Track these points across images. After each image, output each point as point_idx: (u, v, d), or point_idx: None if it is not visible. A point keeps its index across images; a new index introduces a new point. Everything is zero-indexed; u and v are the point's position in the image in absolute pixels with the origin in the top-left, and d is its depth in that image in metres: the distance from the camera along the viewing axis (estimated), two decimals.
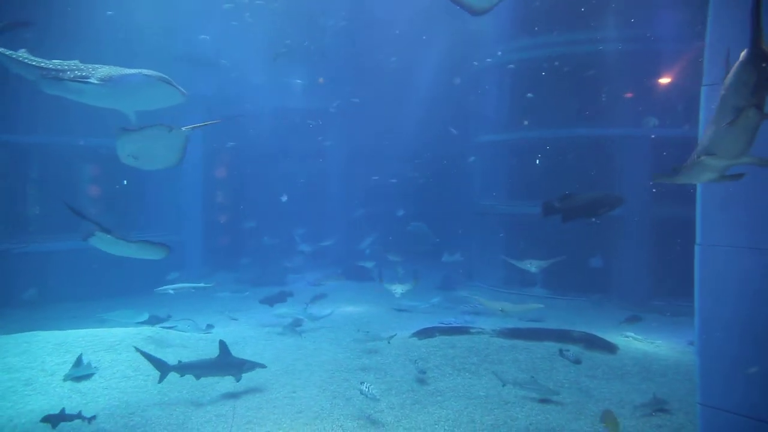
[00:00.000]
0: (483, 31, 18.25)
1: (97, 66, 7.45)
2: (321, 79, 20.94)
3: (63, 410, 6.38)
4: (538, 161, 17.48)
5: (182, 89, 7.11)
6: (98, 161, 17.02)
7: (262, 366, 7.91)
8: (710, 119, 4.27)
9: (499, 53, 17.58)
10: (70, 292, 13.88)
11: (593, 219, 9.47)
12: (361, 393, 6.83)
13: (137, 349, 8.08)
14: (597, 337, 9.98)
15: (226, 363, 7.63)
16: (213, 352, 9.52)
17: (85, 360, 8.45)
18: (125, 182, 17.82)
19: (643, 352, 9.55)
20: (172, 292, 11.36)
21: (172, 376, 8.36)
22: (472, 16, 5.76)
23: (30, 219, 15.58)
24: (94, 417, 6.55)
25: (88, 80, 7.16)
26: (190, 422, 6.73)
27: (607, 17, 15.21)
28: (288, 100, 21.89)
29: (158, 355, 9.27)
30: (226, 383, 8.10)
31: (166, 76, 7.18)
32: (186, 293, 12.13)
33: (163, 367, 7.52)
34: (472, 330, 10.48)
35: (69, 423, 6.35)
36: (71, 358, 8.86)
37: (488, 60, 18.28)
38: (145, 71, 7.13)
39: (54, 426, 6.25)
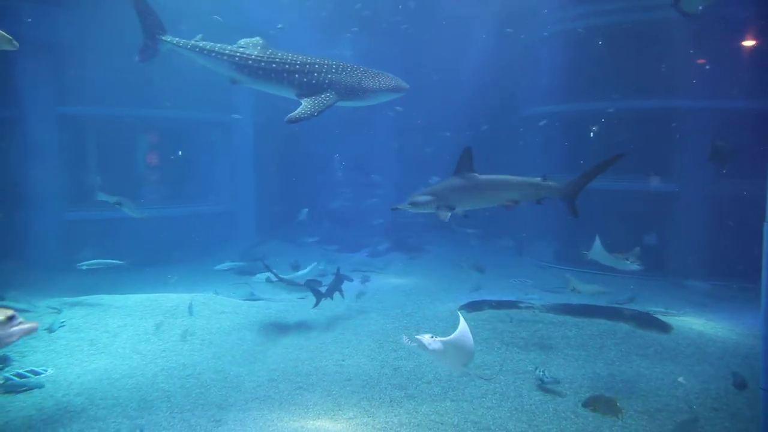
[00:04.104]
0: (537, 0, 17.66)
1: (316, 59, 7.66)
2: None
3: None
4: (592, 134, 16.95)
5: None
6: (154, 132, 17.52)
7: None
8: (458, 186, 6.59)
9: (554, 23, 16.98)
10: (131, 259, 14.47)
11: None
12: None
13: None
14: (649, 315, 9.74)
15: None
16: (262, 318, 9.92)
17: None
18: (180, 153, 18.32)
19: (699, 332, 9.26)
20: (84, 268, 11.37)
21: (227, 341, 8.69)
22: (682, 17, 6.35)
23: (91, 187, 16.22)
24: None
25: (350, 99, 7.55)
26: (244, 386, 6.96)
27: None
28: None
29: (212, 319, 9.66)
30: (278, 349, 8.35)
31: (405, 84, 7.66)
32: None
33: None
34: (521, 304, 10.39)
35: None
36: (132, 321, 9.31)
37: (541, 29, 17.69)
38: (400, 82, 7.57)
39: None
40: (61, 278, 12.43)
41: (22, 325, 3.36)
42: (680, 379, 6.99)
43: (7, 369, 7.06)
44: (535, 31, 18.12)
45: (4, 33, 5.32)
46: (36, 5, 13.87)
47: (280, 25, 13.05)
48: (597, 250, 9.11)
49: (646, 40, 14.89)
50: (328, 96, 7.34)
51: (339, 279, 10.30)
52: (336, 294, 9.98)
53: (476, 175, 6.68)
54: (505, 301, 10.83)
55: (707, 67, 14.51)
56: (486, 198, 6.80)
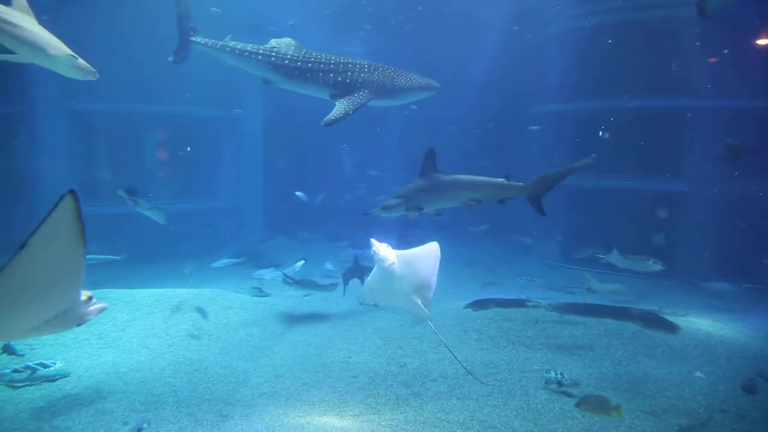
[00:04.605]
0: None
1: (352, 60, 7.92)
2: None
3: None
4: (601, 133, 16.86)
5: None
6: (162, 128, 17.58)
7: None
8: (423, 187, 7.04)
9: (564, 20, 16.90)
10: (138, 254, 14.54)
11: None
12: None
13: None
14: (657, 315, 9.69)
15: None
16: (269, 314, 9.97)
17: None
18: (188, 149, 18.38)
19: (707, 333, 9.20)
20: None
21: (234, 337, 8.73)
22: (701, 18, 6.57)
23: (100, 183, 16.32)
24: None
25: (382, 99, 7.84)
26: (250, 381, 6.99)
27: None
28: None
29: (220, 315, 9.69)
30: (285, 345, 8.38)
31: (435, 83, 8.02)
32: None
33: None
34: (528, 303, 10.35)
35: None
36: (140, 315, 9.36)
37: (551, 27, 17.61)
38: (430, 81, 7.94)
39: None
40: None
41: (96, 305, 3.67)
42: (698, 373, 7.00)
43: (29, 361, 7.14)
44: (545, 29, 18.03)
45: (87, 64, 5.65)
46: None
47: (291, 22, 13.11)
48: (616, 258, 9.30)
49: (657, 38, 14.79)
50: (362, 95, 7.51)
51: (358, 268, 10.71)
52: (345, 292, 10.16)
53: (440, 175, 6.95)
54: (512, 299, 10.82)
55: (718, 65, 14.40)
56: (450, 198, 7.06)
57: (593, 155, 7.01)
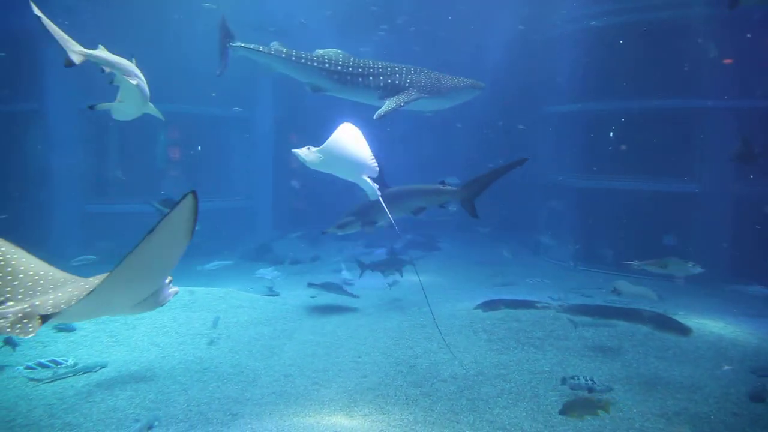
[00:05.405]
0: None
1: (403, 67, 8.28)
2: None
3: None
4: (611, 134, 16.73)
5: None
6: (174, 127, 17.65)
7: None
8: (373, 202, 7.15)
9: (575, 20, 16.79)
10: None
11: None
12: None
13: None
14: (668, 317, 9.64)
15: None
16: (279, 313, 10.00)
17: None
18: (199, 148, 18.46)
19: (719, 336, 9.14)
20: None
21: (244, 336, 8.76)
22: (729, 8, 6.65)
23: (112, 182, 16.43)
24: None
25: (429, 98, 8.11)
26: (260, 380, 7.02)
27: None
28: None
29: (229, 314, 9.73)
30: (295, 344, 8.40)
31: (481, 83, 8.22)
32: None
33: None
34: (538, 304, 10.32)
35: None
36: (150, 313, 9.41)
37: (560, 27, 17.51)
38: (476, 81, 8.20)
39: None
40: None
41: (172, 288, 3.95)
42: (725, 367, 6.99)
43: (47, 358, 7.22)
44: (556, 29, 17.94)
45: (157, 110, 6.59)
46: None
47: (303, 20, 13.20)
48: (647, 268, 9.02)
49: (669, 38, 14.68)
50: (411, 92, 7.89)
51: (394, 260, 11.73)
52: (352, 290, 10.31)
53: (386, 189, 7.27)
54: (522, 300, 10.78)
55: (730, 65, 14.27)
56: (397, 209, 7.44)
57: (523, 158, 7.19)
